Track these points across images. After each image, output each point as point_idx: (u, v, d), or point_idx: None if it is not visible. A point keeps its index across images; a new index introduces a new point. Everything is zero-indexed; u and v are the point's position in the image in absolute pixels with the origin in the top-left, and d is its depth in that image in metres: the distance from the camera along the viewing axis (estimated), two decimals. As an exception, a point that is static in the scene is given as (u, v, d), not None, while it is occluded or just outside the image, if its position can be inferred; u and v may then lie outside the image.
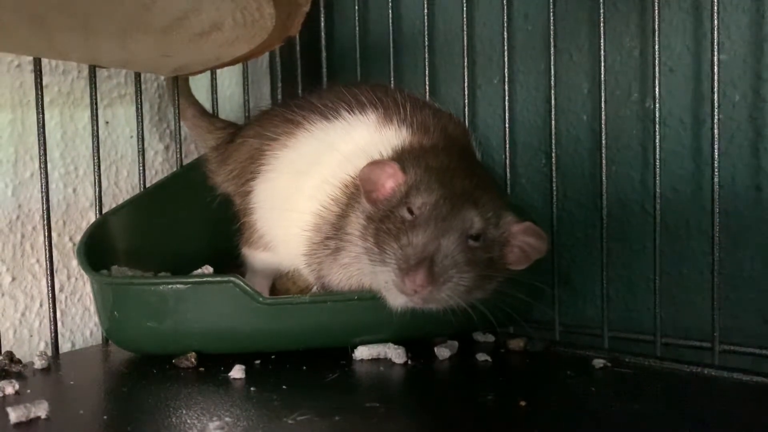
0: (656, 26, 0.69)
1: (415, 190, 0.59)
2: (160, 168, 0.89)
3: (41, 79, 0.71)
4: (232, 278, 0.61)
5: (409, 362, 0.64)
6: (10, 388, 0.56)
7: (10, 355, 0.62)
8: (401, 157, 0.64)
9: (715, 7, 0.66)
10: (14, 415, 0.50)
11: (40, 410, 0.51)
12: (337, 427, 0.50)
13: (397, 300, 0.58)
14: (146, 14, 0.50)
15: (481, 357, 0.66)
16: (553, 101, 0.77)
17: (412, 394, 0.59)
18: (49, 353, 0.68)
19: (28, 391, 0.57)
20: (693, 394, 0.58)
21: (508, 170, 0.82)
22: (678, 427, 0.50)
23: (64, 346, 0.76)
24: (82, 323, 0.80)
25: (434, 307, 0.57)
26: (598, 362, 0.64)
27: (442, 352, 0.67)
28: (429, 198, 0.58)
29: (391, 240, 0.57)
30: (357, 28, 0.92)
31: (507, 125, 0.81)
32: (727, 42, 0.72)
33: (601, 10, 0.73)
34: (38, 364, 0.63)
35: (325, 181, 0.67)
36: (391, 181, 0.62)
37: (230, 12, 0.48)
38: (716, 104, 0.66)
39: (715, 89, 0.66)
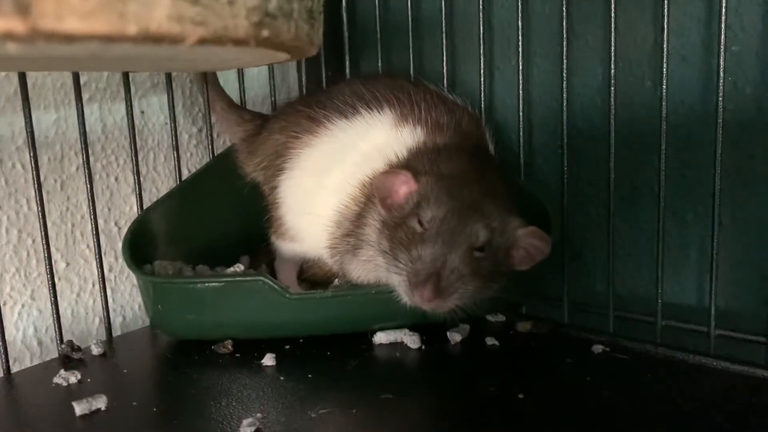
0: (666, 18, 0.71)
1: (425, 202, 0.64)
2: (194, 150, 0.94)
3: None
4: (262, 277, 0.68)
5: (423, 347, 0.71)
6: (73, 377, 0.64)
7: (71, 344, 0.70)
8: (414, 162, 0.69)
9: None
10: (78, 408, 0.58)
11: (100, 403, 0.59)
12: (353, 421, 0.57)
13: (409, 300, 0.63)
14: (172, 63, 0.54)
15: (490, 341, 0.72)
16: (564, 85, 0.80)
17: (423, 383, 0.65)
18: (103, 337, 0.77)
19: (89, 380, 0.65)
20: (685, 383, 0.62)
21: (522, 151, 0.86)
22: (663, 419, 0.55)
23: (116, 320, 0.85)
24: (131, 298, 0.88)
25: (443, 311, 0.63)
26: (597, 348, 0.70)
27: (454, 336, 0.73)
28: (438, 212, 0.62)
29: (403, 251, 0.62)
30: (378, 10, 0.93)
31: (521, 107, 0.84)
32: (740, 34, 0.72)
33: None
34: (95, 350, 0.71)
35: (345, 180, 0.72)
36: (404, 188, 0.66)
37: (249, 55, 0.52)
38: (720, 95, 0.68)
39: (721, 80, 0.68)
